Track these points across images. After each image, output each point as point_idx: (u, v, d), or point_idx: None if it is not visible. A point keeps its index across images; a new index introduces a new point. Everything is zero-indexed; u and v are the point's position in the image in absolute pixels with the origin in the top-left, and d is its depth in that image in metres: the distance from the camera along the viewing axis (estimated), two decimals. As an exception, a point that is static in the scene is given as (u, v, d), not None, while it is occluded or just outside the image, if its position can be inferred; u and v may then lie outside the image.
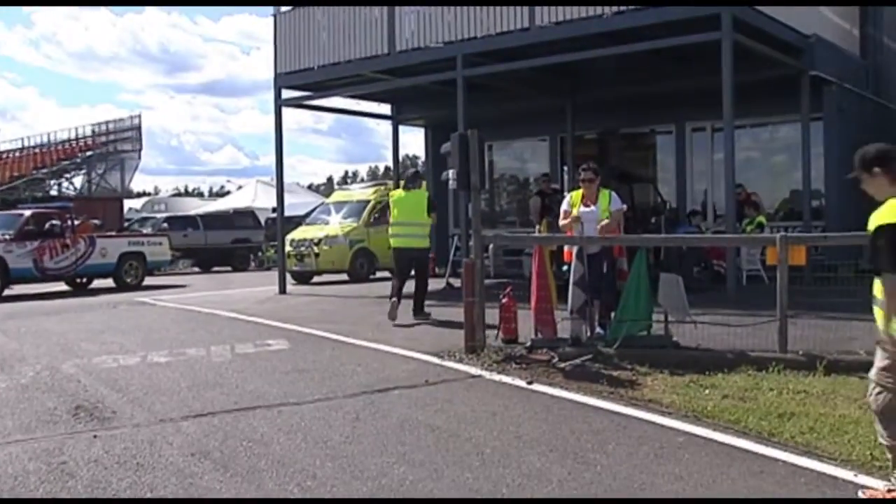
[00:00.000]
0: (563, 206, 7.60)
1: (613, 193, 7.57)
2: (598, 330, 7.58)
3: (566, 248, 7.86)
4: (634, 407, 5.52)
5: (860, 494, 3.82)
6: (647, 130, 16.77)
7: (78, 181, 34.53)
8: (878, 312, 3.64)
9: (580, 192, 7.58)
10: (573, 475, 4.19)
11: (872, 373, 3.75)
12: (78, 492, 4.13)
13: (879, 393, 3.70)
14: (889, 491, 3.78)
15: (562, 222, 7.56)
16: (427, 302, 11.32)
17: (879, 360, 3.71)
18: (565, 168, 17.10)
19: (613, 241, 7.41)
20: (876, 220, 3.58)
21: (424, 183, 10.48)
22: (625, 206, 7.58)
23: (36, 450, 4.84)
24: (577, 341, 7.39)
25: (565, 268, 8.06)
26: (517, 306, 8.02)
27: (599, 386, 6.13)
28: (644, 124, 16.52)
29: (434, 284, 14.90)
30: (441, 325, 9.55)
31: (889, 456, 3.81)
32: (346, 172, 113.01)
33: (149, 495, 4.06)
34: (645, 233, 11.62)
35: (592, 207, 7.42)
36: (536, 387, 6.24)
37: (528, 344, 7.57)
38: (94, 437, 5.09)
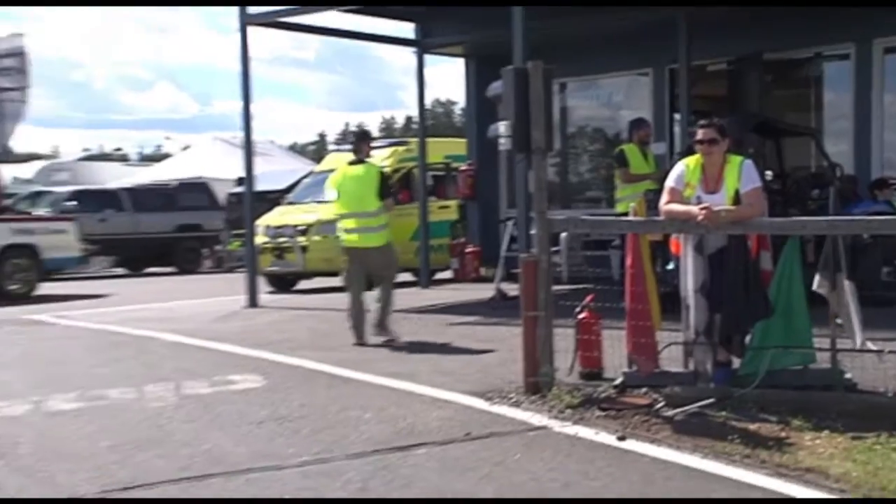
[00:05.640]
0: (670, 182, 7.62)
1: (748, 163, 7.51)
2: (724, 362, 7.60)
3: (674, 236, 7.90)
4: (784, 479, 5.56)
5: None
6: (809, 55, 16.66)
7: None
8: None
9: (697, 159, 7.60)
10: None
11: None
12: None
13: None
14: None
15: (664, 206, 7.54)
16: (468, 318, 11.42)
17: None
18: (676, 117, 17.06)
19: (750, 227, 7.44)
20: None
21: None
22: (759, 184, 7.48)
23: None
24: (697, 377, 7.45)
25: (672, 266, 8.09)
26: (602, 325, 8.10)
27: (729, 445, 6.17)
28: (803, 45, 16.34)
29: (478, 292, 15.04)
30: (487, 353, 9.67)
31: None
32: (347, 126, 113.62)
33: None
34: (802, 214, 11.61)
35: (718, 193, 7.44)
36: (631, 444, 6.32)
37: (619, 381, 7.66)
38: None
